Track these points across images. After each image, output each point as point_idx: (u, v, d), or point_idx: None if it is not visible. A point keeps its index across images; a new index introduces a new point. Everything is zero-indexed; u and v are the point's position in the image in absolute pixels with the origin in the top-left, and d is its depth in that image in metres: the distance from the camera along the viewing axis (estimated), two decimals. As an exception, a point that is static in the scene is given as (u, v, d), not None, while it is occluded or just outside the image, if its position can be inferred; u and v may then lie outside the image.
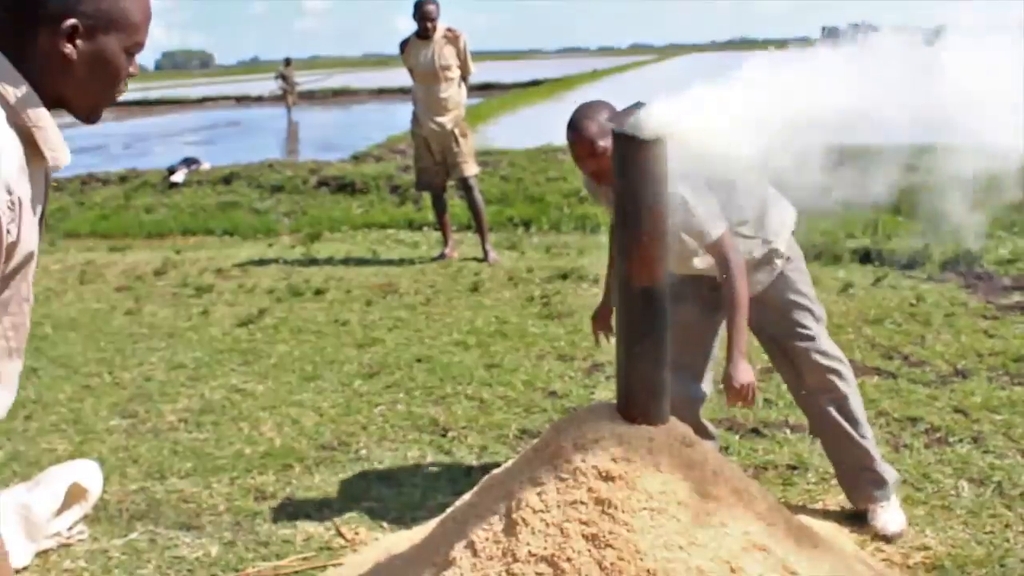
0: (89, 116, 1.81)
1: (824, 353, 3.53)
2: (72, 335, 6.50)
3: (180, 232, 10.72)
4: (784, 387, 4.81)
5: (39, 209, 1.80)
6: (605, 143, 2.98)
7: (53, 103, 1.71)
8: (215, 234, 10.56)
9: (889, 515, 3.51)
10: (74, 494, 3.78)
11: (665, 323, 2.58)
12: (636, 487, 2.43)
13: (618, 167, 2.50)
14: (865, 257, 7.49)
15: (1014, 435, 4.23)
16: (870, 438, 3.56)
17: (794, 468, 4.03)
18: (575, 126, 3.07)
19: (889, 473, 3.57)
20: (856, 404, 3.57)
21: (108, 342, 6.31)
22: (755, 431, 4.41)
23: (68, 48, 1.65)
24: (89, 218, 11.31)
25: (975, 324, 5.82)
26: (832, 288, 6.68)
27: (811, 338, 3.52)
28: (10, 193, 1.58)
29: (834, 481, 3.86)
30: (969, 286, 6.71)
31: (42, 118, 1.67)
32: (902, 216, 8.32)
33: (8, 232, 1.60)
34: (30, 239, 1.70)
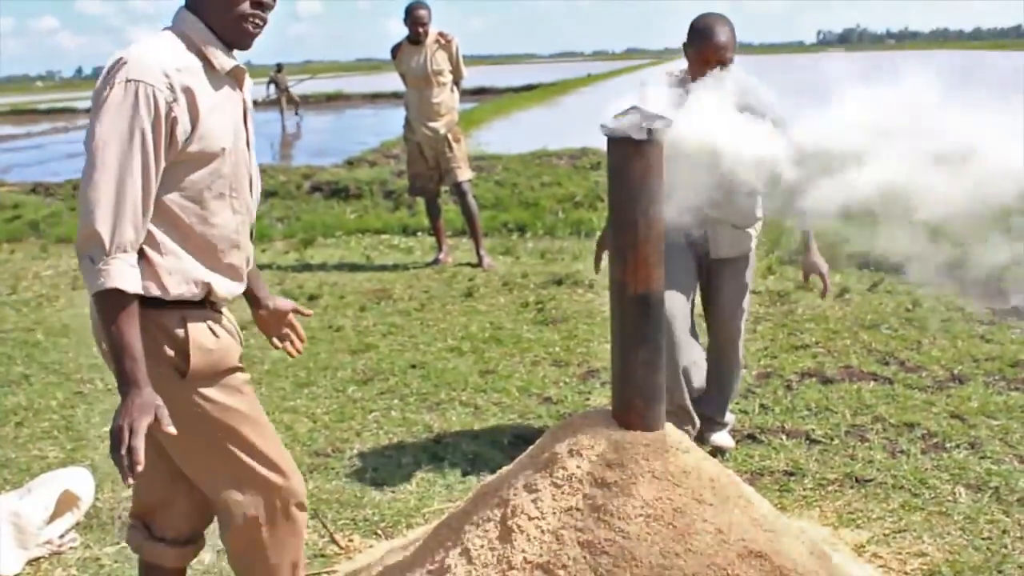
0: (231, 44, 2.30)
1: (741, 329, 4.28)
2: (64, 341, 6.47)
3: (172, 236, 10.67)
4: (780, 392, 4.82)
5: (232, 112, 2.32)
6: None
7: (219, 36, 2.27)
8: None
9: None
10: (66, 501, 3.75)
11: (661, 329, 2.57)
12: (632, 494, 2.41)
13: (613, 171, 2.49)
14: (862, 262, 7.47)
15: (1011, 440, 4.22)
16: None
17: (791, 474, 4.02)
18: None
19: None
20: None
21: (101, 348, 6.26)
22: (751, 437, 4.39)
23: None
24: (82, 224, 11.25)
25: (971, 329, 5.81)
26: (829, 293, 6.66)
27: (744, 311, 4.23)
28: (167, 77, 2.13)
29: (831, 487, 3.86)
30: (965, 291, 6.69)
31: (208, 41, 2.25)
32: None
33: (171, 110, 2.13)
34: (216, 133, 2.23)
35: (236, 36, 2.29)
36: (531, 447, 2.77)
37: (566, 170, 12.14)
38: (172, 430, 2.10)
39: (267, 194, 11.91)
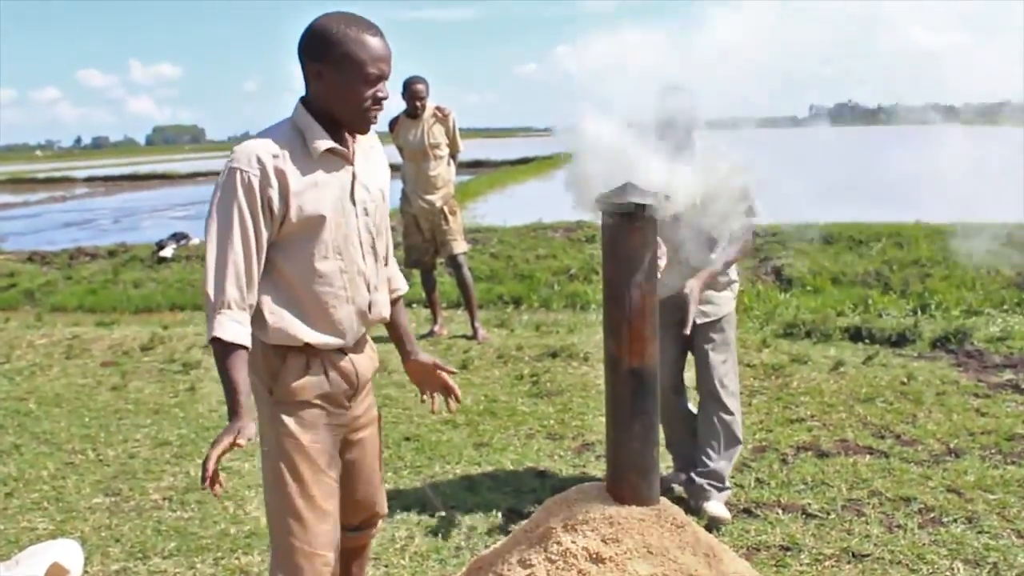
0: (354, 129, 2.73)
1: (728, 388, 4.46)
2: (56, 411, 6.44)
3: (168, 307, 10.67)
4: (776, 466, 4.79)
5: (333, 185, 2.70)
6: None
7: (329, 121, 2.68)
8: (203, 310, 10.49)
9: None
10: (54, 574, 3.71)
11: (656, 402, 2.57)
12: (626, 569, 2.39)
13: (607, 245, 2.50)
14: (855, 335, 7.49)
15: (1008, 515, 4.19)
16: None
17: (787, 549, 3.98)
18: None
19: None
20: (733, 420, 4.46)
21: (93, 418, 6.25)
22: (747, 511, 4.36)
23: (315, 84, 2.66)
24: (77, 292, 11.27)
25: (966, 402, 5.80)
26: (823, 366, 6.67)
27: (728, 375, 4.45)
28: (261, 163, 2.57)
29: (828, 562, 3.82)
30: (960, 364, 6.70)
31: (308, 127, 2.67)
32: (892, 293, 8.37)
33: (264, 190, 2.57)
34: (312, 207, 2.64)
35: (360, 125, 2.70)
36: (525, 521, 2.76)
37: (561, 243, 12.20)
38: (242, 443, 2.49)
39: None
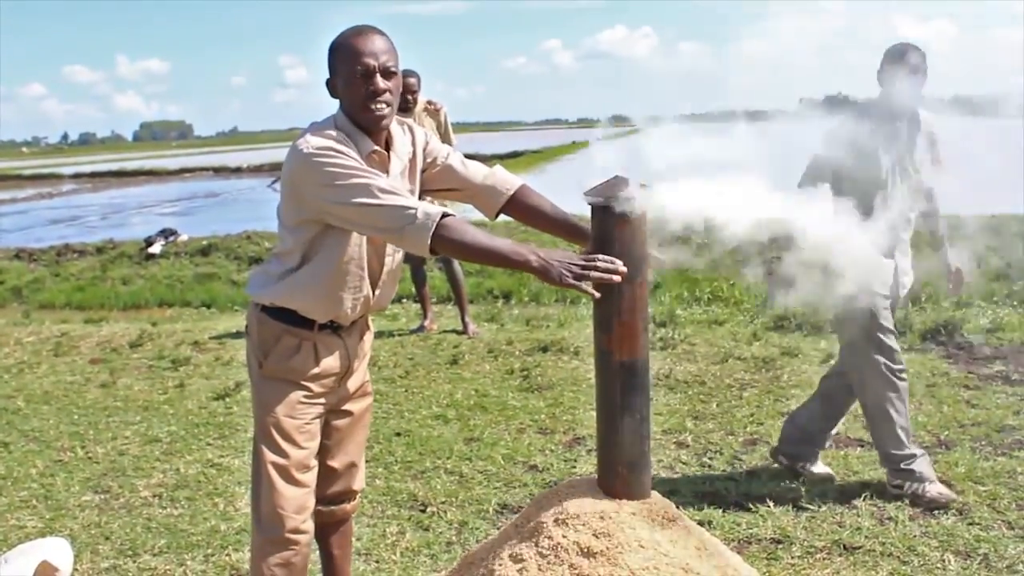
0: (368, 128, 2.75)
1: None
2: (45, 408, 6.42)
3: (157, 304, 10.65)
4: (769, 459, 4.79)
5: None
6: None
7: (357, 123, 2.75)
8: (192, 306, 10.48)
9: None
10: (44, 572, 3.69)
11: (646, 397, 2.56)
12: (618, 563, 2.38)
13: (596, 239, 2.49)
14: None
15: (999, 506, 4.20)
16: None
17: (778, 542, 3.98)
18: None
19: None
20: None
21: (82, 415, 6.22)
22: (738, 504, 4.36)
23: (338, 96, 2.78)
24: (65, 289, 11.24)
25: (957, 394, 5.82)
26: (814, 359, 6.68)
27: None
28: (334, 137, 2.67)
29: (819, 555, 3.82)
30: (950, 356, 6.72)
31: (352, 131, 2.73)
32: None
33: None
34: None
35: (366, 123, 2.74)
36: (517, 516, 2.75)
37: (551, 238, 12.15)
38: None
39: (252, 260, 11.92)
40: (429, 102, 7.93)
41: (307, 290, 2.80)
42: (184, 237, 13.33)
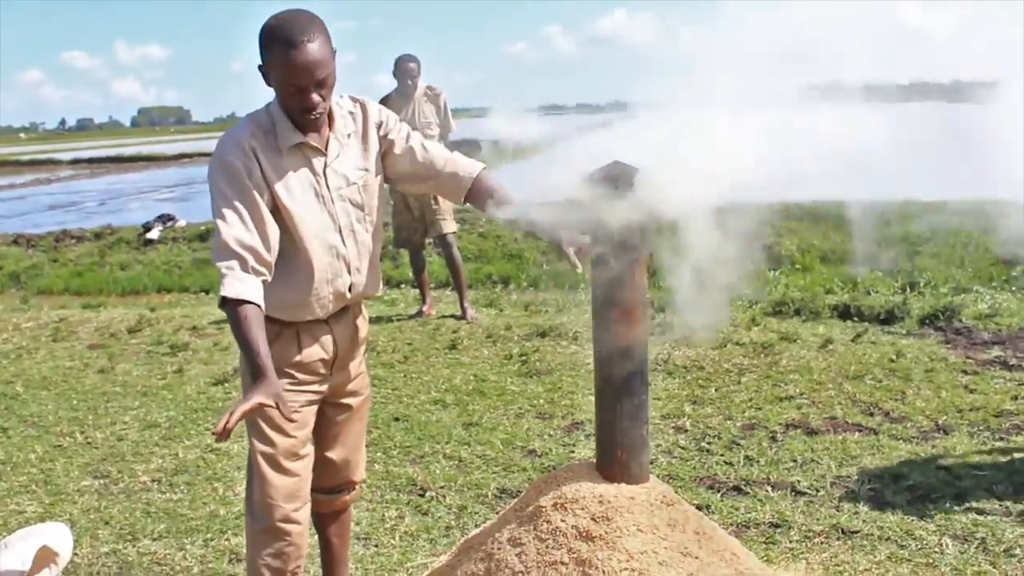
0: (300, 126, 2.73)
1: None
2: (44, 394, 6.42)
3: (155, 289, 10.66)
4: (765, 444, 4.80)
5: (302, 177, 2.77)
6: None
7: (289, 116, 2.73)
8: (191, 291, 10.49)
9: None
10: (43, 557, 3.69)
11: (645, 381, 2.56)
12: (616, 547, 2.39)
13: (595, 223, 2.49)
14: (844, 313, 7.49)
15: (996, 491, 4.20)
16: None
17: (776, 526, 3.99)
18: None
19: None
20: None
21: (80, 401, 6.23)
22: (736, 489, 4.37)
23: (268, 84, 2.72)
24: (63, 275, 11.24)
25: (955, 379, 5.82)
26: (812, 344, 6.68)
27: None
28: (243, 151, 2.68)
29: (817, 539, 3.83)
30: (948, 341, 6.71)
31: (280, 119, 2.73)
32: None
33: (246, 168, 2.67)
34: (283, 197, 2.71)
35: (299, 122, 2.73)
36: (515, 500, 2.75)
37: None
38: (270, 403, 2.46)
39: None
40: (429, 87, 7.92)
41: (277, 301, 2.77)
42: (182, 223, 13.30)
